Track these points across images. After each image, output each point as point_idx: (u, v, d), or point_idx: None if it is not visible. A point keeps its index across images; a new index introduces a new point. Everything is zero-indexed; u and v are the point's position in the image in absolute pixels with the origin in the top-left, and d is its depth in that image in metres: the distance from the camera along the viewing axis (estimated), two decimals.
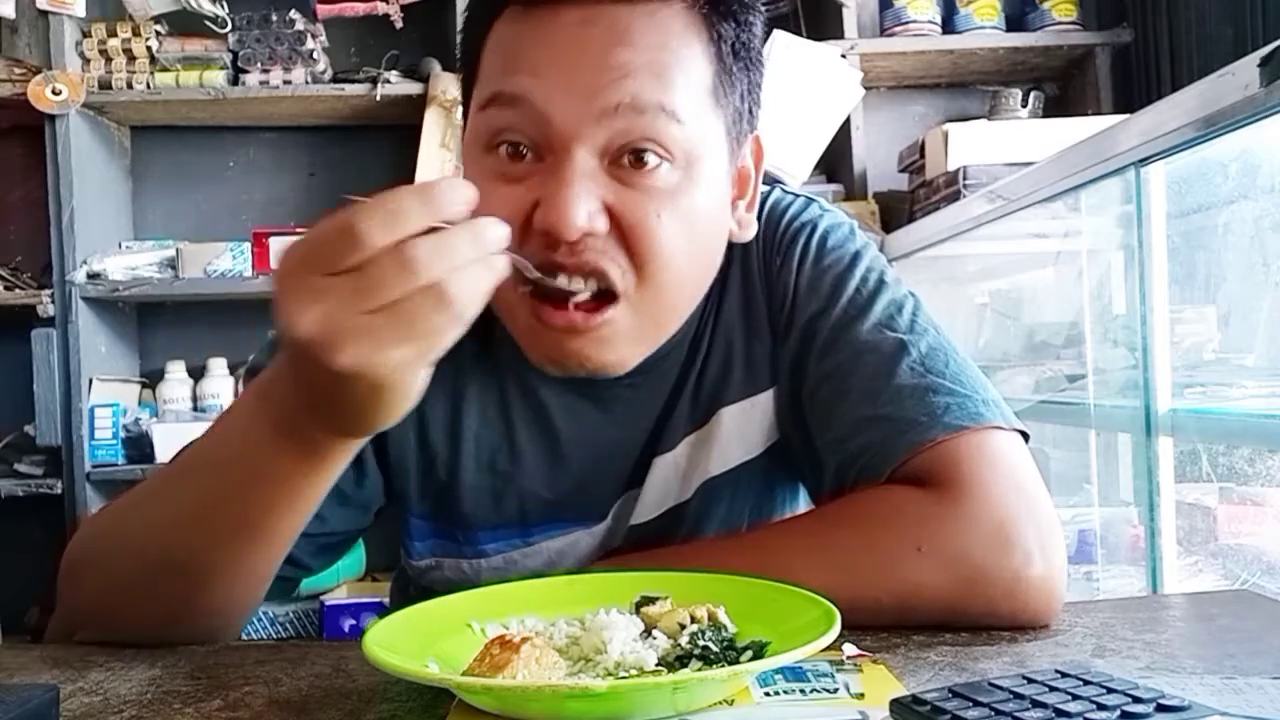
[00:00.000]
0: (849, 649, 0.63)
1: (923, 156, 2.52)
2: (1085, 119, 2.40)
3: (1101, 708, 0.46)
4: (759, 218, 0.86)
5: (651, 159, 0.73)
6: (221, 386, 2.68)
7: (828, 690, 0.57)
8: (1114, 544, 2.00)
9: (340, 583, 2.64)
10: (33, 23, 2.67)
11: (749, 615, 0.63)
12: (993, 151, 2.32)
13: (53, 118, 2.56)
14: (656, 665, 0.57)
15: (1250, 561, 1.67)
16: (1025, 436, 0.77)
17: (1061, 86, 2.90)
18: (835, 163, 2.77)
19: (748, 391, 0.87)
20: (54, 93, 2.52)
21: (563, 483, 0.87)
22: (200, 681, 0.64)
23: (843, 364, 0.81)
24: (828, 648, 0.56)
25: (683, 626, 0.61)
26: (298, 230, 2.01)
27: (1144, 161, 1.54)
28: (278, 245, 2.47)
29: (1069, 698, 0.47)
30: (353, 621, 2.54)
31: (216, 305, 2.75)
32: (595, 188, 0.73)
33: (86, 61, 2.60)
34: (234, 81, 2.65)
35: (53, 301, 2.55)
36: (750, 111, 0.81)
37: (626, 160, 0.73)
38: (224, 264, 2.62)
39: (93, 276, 2.58)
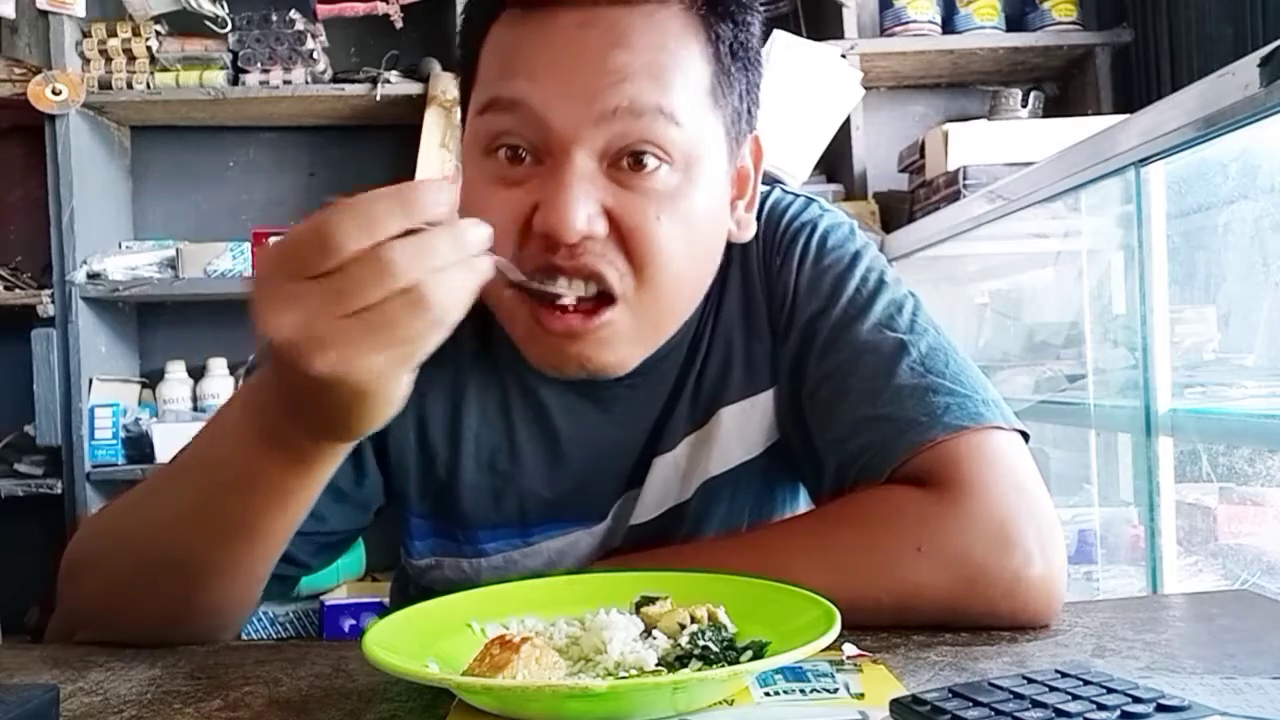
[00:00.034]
0: (849, 649, 0.63)
1: (923, 156, 2.52)
2: (1085, 119, 2.40)
3: (1101, 708, 0.46)
4: (759, 218, 0.86)
5: (650, 161, 0.73)
6: (221, 386, 2.68)
7: (828, 690, 0.57)
8: (1114, 544, 2.00)
9: (340, 583, 2.64)
10: (33, 23, 2.67)
11: (749, 615, 0.63)
12: (993, 151, 2.32)
13: (53, 118, 2.56)
14: (656, 665, 0.57)
15: (1250, 561, 1.67)
16: (1025, 436, 0.77)
17: (1061, 86, 2.90)
18: (835, 163, 2.77)
19: (747, 391, 0.87)
20: (54, 93, 2.52)
21: (563, 483, 0.87)
22: (200, 681, 0.64)
23: (843, 364, 0.81)
24: (828, 648, 0.56)
25: (683, 626, 0.61)
26: None
27: (1144, 161, 1.54)
28: None
29: (1069, 698, 0.47)
30: (353, 621, 2.54)
31: (216, 305, 2.75)
32: (594, 190, 0.72)
33: (86, 61, 2.60)
34: (234, 81, 2.65)
35: (53, 301, 2.55)
36: (749, 111, 0.81)
37: (625, 163, 0.73)
38: (224, 264, 2.62)
39: (93, 276, 2.58)
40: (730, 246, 0.84)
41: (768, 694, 0.56)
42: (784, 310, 0.86)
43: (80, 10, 2.55)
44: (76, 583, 0.77)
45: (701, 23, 0.76)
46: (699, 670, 0.57)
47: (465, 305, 0.57)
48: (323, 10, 2.64)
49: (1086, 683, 0.49)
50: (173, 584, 0.70)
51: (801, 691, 0.57)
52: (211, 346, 2.72)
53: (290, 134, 2.91)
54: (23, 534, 2.51)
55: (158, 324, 2.90)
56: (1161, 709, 0.46)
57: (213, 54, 2.63)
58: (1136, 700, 0.46)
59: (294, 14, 2.61)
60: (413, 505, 0.89)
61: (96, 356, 2.66)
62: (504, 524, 0.87)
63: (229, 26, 2.61)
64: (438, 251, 0.55)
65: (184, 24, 2.66)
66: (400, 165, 2.67)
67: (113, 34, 2.60)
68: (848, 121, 2.66)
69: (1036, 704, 0.47)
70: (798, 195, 0.92)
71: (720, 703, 0.55)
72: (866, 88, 2.66)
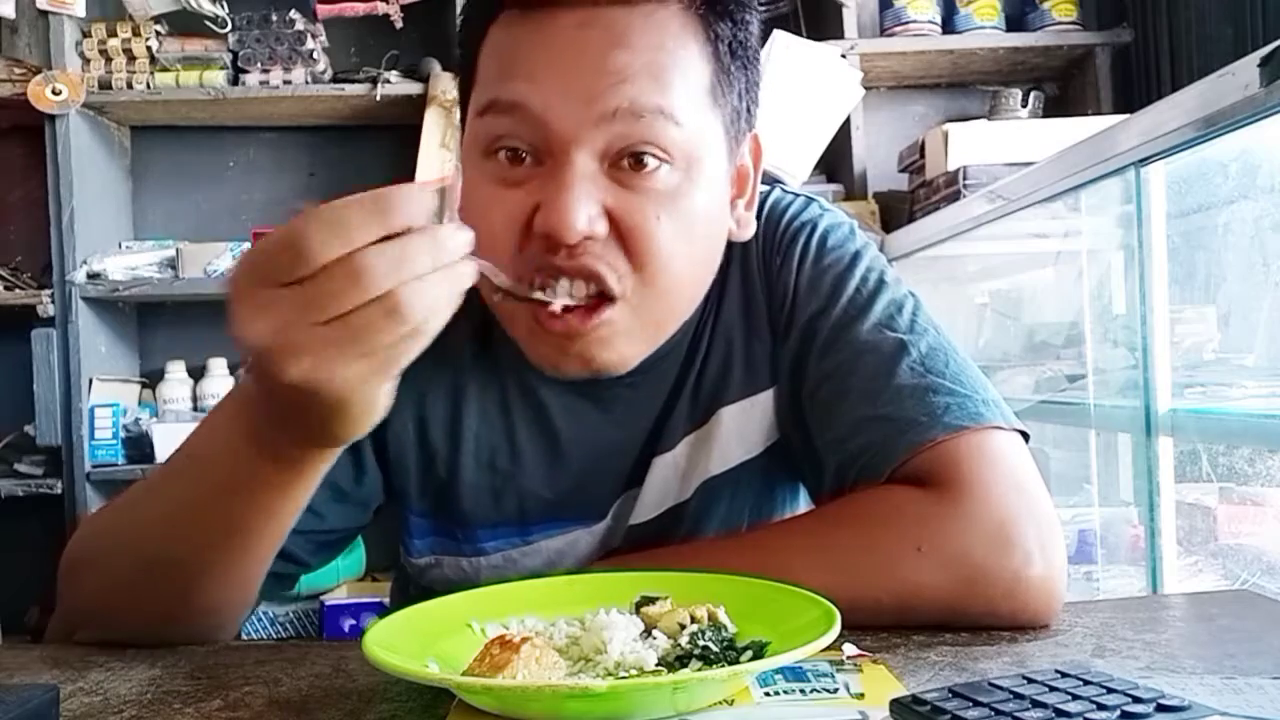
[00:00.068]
0: (849, 649, 0.63)
1: (923, 156, 2.52)
2: (1085, 119, 2.40)
3: (1101, 708, 0.46)
4: (759, 217, 0.86)
5: (651, 161, 0.73)
6: (221, 386, 2.68)
7: (828, 690, 0.57)
8: (1114, 544, 2.00)
9: (340, 583, 2.64)
10: (33, 23, 2.67)
11: (749, 615, 0.63)
12: (993, 151, 2.32)
13: (53, 118, 2.56)
14: (656, 665, 0.57)
15: (1250, 561, 1.67)
16: (1025, 436, 0.77)
17: (1061, 86, 2.90)
18: (835, 163, 2.77)
19: (747, 391, 0.87)
20: (54, 93, 2.52)
21: (562, 482, 0.87)
22: (200, 681, 0.64)
23: (843, 364, 0.81)
24: (828, 648, 0.56)
25: (683, 626, 0.61)
26: None
27: (1144, 161, 1.54)
28: None
29: (1069, 698, 0.47)
30: (353, 621, 2.54)
31: (216, 305, 2.73)
32: (595, 191, 0.72)
33: (86, 61, 2.60)
34: (234, 81, 2.65)
35: (53, 301, 2.55)
36: (748, 110, 0.81)
37: (626, 163, 0.73)
38: (224, 264, 2.62)
39: (93, 276, 2.58)
40: (730, 246, 0.84)
41: (768, 694, 0.56)
42: (784, 310, 0.86)
43: (80, 10, 2.55)
44: (76, 582, 0.77)
45: (700, 22, 0.75)
46: (699, 670, 0.57)
47: (447, 313, 0.55)
48: (323, 10, 2.64)
49: (1086, 683, 0.49)
50: (169, 583, 0.70)
51: (801, 691, 0.57)
52: (211, 346, 2.72)
53: (290, 134, 2.91)
54: (23, 534, 2.51)
55: (158, 324, 2.90)
56: (1161, 709, 0.46)
57: (213, 54, 2.63)
58: (1136, 700, 0.46)
59: (294, 14, 2.61)
60: (412, 504, 0.89)
61: (96, 356, 2.65)
62: (503, 523, 0.87)
63: (229, 26, 2.61)
64: (414, 259, 0.53)
65: (184, 24, 2.66)
66: (400, 165, 2.67)
67: (113, 34, 2.60)
68: (848, 121, 2.66)
69: (1036, 704, 0.47)
70: (798, 195, 0.92)
71: (720, 703, 0.55)
72: (866, 88, 2.66)
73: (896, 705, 0.50)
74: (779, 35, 2.53)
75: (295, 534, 0.72)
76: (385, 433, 0.86)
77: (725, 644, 0.59)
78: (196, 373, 2.73)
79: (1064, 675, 0.50)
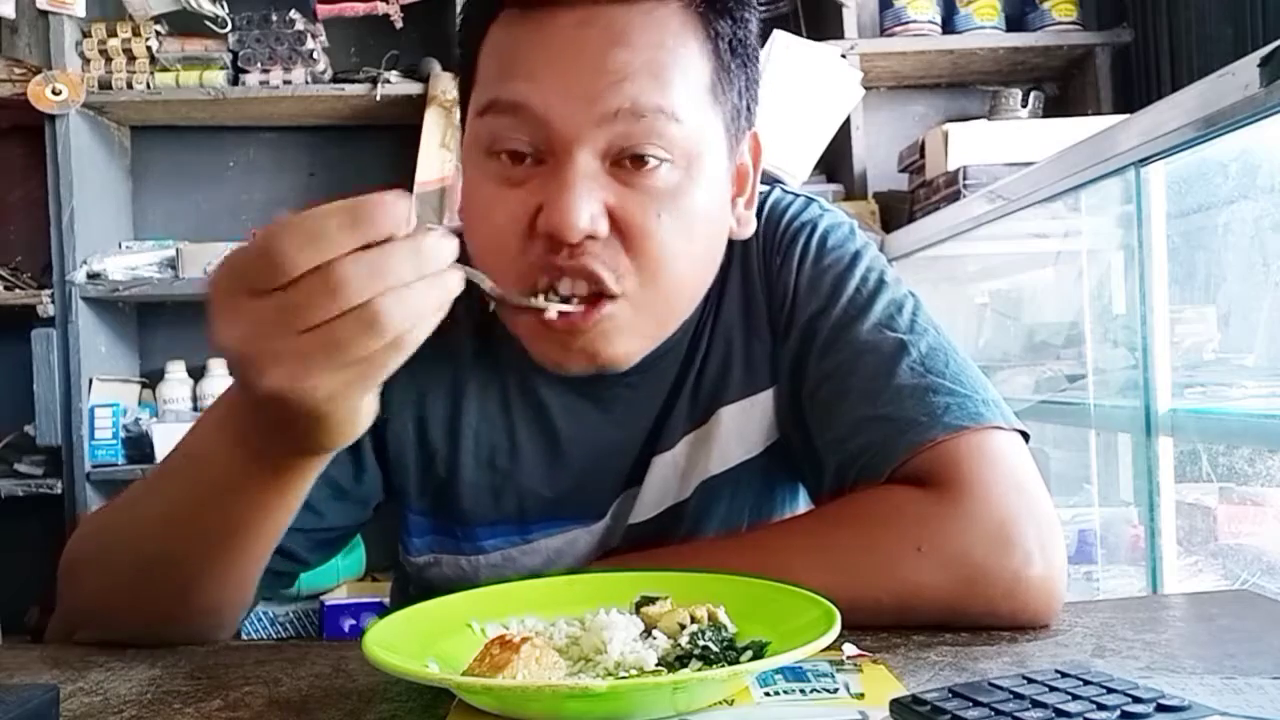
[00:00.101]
0: (849, 649, 0.63)
1: (923, 156, 2.52)
2: (1085, 119, 2.40)
3: (1101, 708, 0.46)
4: (759, 217, 0.86)
5: (652, 160, 0.73)
6: (221, 386, 2.64)
7: (828, 690, 0.57)
8: (1114, 544, 2.00)
9: (340, 583, 2.64)
10: (33, 23, 2.67)
11: (749, 615, 0.62)
12: (993, 151, 2.32)
13: (53, 118, 2.56)
14: (656, 665, 0.57)
15: (1250, 561, 1.67)
16: (1025, 436, 0.77)
17: (1061, 86, 2.90)
18: (835, 163, 2.77)
19: (747, 391, 0.87)
20: (54, 93, 2.52)
21: (562, 481, 0.87)
22: (200, 681, 0.64)
23: (843, 364, 0.81)
24: (828, 648, 0.56)
25: (683, 626, 0.61)
26: None
27: (1144, 161, 1.54)
28: None
29: (1069, 698, 0.47)
30: (353, 621, 2.54)
31: None
32: (597, 189, 0.72)
33: (86, 61, 2.60)
34: (234, 81, 2.65)
35: (53, 301, 2.55)
36: (748, 108, 0.81)
37: (627, 161, 0.73)
38: None
39: (93, 276, 2.58)
40: (730, 246, 0.84)
41: (768, 694, 0.56)
42: (784, 310, 0.86)
43: (80, 10, 2.55)
44: (75, 582, 0.77)
45: (700, 19, 0.75)
46: (699, 670, 0.57)
47: (432, 323, 0.55)
48: (323, 10, 2.64)
49: (1086, 683, 0.49)
50: (168, 582, 0.70)
51: (801, 691, 0.57)
52: (211, 347, 2.72)
53: (290, 134, 2.91)
54: (23, 534, 2.51)
55: (158, 324, 2.90)
56: (1161, 709, 0.46)
57: (213, 54, 2.63)
58: (1136, 700, 0.46)
59: (294, 14, 2.61)
60: (412, 502, 0.89)
61: (96, 356, 2.65)
62: (503, 522, 0.87)
63: (229, 26, 2.61)
64: (393, 269, 0.52)
65: (184, 24, 2.66)
66: (400, 165, 2.67)
67: (113, 34, 2.60)
68: (848, 121, 2.66)
69: (1036, 704, 0.47)
70: (798, 195, 0.92)
71: (720, 703, 0.55)
72: (866, 88, 2.66)
73: (896, 705, 0.50)
74: (779, 35, 2.53)
75: (294, 531, 0.72)
76: (385, 431, 0.86)
77: (725, 644, 0.59)
78: (196, 373, 2.73)
79: (1064, 675, 0.50)
